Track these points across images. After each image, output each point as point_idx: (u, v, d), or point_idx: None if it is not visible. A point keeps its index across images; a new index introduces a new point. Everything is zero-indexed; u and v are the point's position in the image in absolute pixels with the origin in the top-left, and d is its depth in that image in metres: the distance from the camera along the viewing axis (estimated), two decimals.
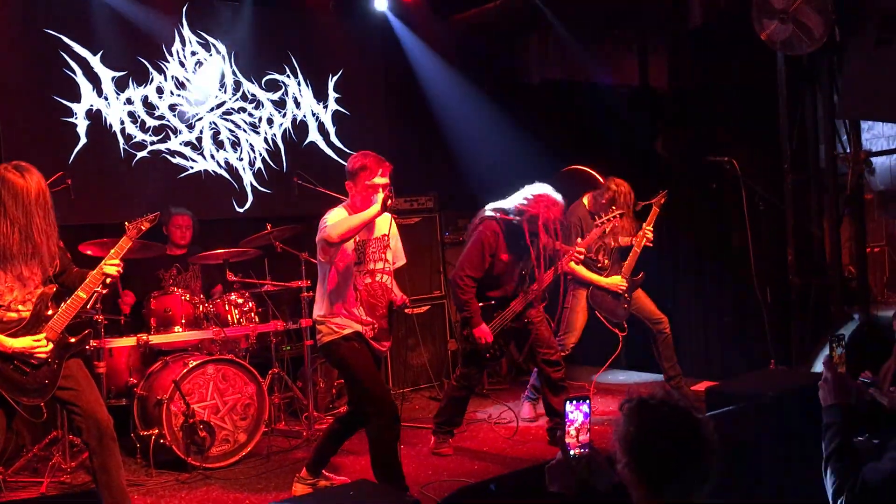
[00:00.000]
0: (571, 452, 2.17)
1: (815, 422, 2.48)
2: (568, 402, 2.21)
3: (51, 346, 3.57)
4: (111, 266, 3.69)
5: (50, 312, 3.62)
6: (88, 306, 4.40)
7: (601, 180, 6.05)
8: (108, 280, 3.74)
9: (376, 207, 3.86)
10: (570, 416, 2.19)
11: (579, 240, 4.95)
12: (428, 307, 6.64)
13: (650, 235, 5.54)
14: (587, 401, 2.21)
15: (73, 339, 3.68)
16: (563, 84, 7.66)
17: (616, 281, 5.52)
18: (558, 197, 4.72)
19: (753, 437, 3.41)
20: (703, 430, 1.84)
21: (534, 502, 2.45)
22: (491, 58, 7.66)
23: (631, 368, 6.74)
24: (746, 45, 5.80)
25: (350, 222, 3.85)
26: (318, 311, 4.04)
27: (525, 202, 4.69)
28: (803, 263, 5.88)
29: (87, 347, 4.52)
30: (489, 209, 4.83)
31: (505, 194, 4.89)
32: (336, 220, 3.92)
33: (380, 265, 4.07)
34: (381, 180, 3.95)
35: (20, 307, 3.57)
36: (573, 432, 2.18)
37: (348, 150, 6.92)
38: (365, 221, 3.87)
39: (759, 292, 5.60)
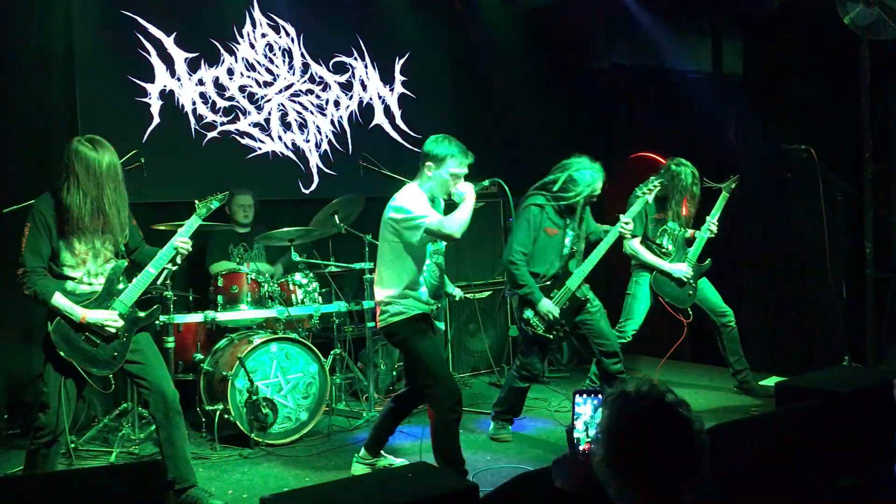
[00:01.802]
0: (580, 447, 2.11)
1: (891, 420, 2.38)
2: (577, 394, 2.15)
3: (121, 319, 3.66)
4: (181, 243, 3.77)
5: (121, 286, 3.71)
6: (158, 282, 4.50)
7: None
8: (179, 257, 3.82)
9: (473, 198, 3.89)
10: (578, 409, 2.13)
11: (621, 216, 4.76)
12: (490, 292, 6.61)
13: (714, 230, 5.39)
14: (599, 396, 2.15)
15: (142, 314, 3.77)
16: (633, 70, 7.51)
17: (681, 267, 5.38)
18: (595, 164, 4.64)
19: (824, 434, 3.30)
20: (688, 428, 1.73)
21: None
22: (559, 42, 7.54)
23: (696, 361, 6.59)
24: (827, 29, 5.58)
25: (464, 215, 3.84)
26: (385, 292, 3.98)
27: (566, 175, 4.64)
28: (882, 257, 5.65)
29: (157, 322, 4.64)
30: (533, 187, 4.77)
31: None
32: (422, 205, 3.86)
33: (439, 245, 4.09)
34: (464, 171, 3.95)
35: (93, 280, 3.67)
36: (582, 426, 2.12)
37: (413, 134, 6.93)
38: (470, 211, 3.89)
39: (833, 286, 5.40)
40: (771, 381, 5.57)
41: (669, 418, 1.73)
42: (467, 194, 3.87)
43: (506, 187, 3.94)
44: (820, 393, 3.74)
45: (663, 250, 5.43)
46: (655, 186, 4.90)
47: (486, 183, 3.96)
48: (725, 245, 5.97)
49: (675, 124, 6.91)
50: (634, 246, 5.39)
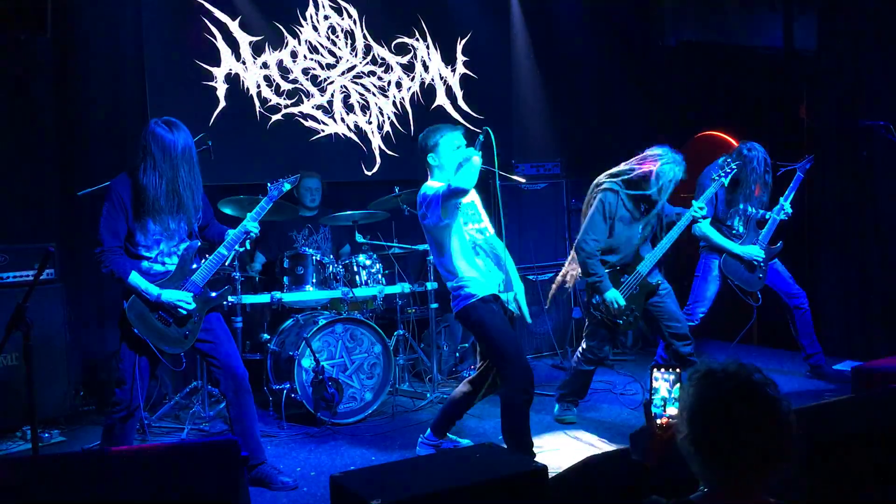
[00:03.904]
0: (657, 421, 2.11)
1: None
2: (655, 368, 2.16)
3: (193, 301, 3.73)
4: (253, 224, 3.82)
5: (194, 267, 3.78)
6: (227, 263, 4.58)
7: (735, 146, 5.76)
8: (251, 237, 3.86)
9: (477, 157, 3.90)
10: (656, 384, 2.14)
11: (694, 201, 4.65)
12: (553, 274, 6.54)
13: (788, 210, 5.23)
14: (677, 371, 2.15)
15: (213, 294, 3.83)
16: (700, 46, 7.33)
17: (752, 250, 5.24)
18: (679, 156, 4.49)
19: None
20: (776, 409, 1.70)
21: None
22: (624, 19, 7.40)
23: (764, 344, 6.44)
24: None
25: (469, 170, 3.86)
26: (450, 280, 4.01)
27: (645, 163, 4.52)
28: None
29: (224, 302, 4.72)
30: (606, 175, 4.66)
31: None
32: (435, 185, 4.00)
33: (483, 223, 4.10)
34: (462, 142, 4.04)
35: (165, 260, 3.75)
36: (659, 402, 2.13)
37: (475, 115, 6.88)
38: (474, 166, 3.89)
39: None
40: (846, 366, 5.42)
41: (757, 399, 1.72)
42: (473, 156, 3.85)
43: (492, 137, 3.87)
44: None
45: (734, 232, 5.29)
46: (732, 169, 4.78)
47: (481, 137, 3.90)
48: (800, 225, 5.79)
49: (745, 102, 6.72)
50: (704, 228, 5.27)
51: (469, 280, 3.95)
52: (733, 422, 1.70)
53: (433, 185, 3.97)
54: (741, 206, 5.25)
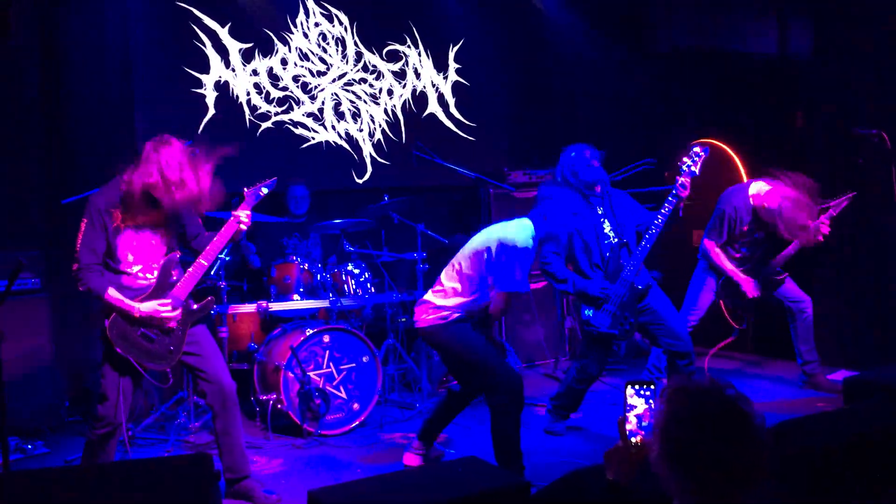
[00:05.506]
0: (632, 439, 2.05)
1: None
2: (629, 385, 2.12)
3: (177, 311, 3.67)
4: (243, 218, 3.75)
5: (174, 279, 3.73)
6: (212, 272, 4.53)
7: (733, 155, 5.69)
8: (243, 226, 3.78)
9: None
10: (630, 401, 2.10)
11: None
12: (544, 283, 6.50)
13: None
14: (651, 388, 2.10)
15: (195, 307, 3.77)
16: (694, 52, 7.29)
17: (750, 284, 5.14)
18: (579, 146, 4.46)
19: (893, 433, 3.13)
20: (749, 424, 1.67)
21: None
22: (617, 26, 7.37)
23: (760, 353, 6.38)
24: None
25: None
26: (445, 302, 3.93)
27: (560, 168, 4.49)
28: None
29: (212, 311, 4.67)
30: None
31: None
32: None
33: None
34: None
35: (147, 275, 3.70)
36: (633, 419, 2.09)
37: (467, 122, 6.85)
38: None
39: None
40: (840, 376, 5.36)
41: (730, 415, 1.69)
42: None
43: None
44: (889, 388, 3.56)
45: (739, 256, 5.16)
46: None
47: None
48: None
49: (740, 109, 6.68)
50: (709, 248, 5.17)
51: (456, 312, 3.91)
52: (706, 438, 1.67)
53: (525, 240, 3.88)
54: (756, 236, 5.13)
